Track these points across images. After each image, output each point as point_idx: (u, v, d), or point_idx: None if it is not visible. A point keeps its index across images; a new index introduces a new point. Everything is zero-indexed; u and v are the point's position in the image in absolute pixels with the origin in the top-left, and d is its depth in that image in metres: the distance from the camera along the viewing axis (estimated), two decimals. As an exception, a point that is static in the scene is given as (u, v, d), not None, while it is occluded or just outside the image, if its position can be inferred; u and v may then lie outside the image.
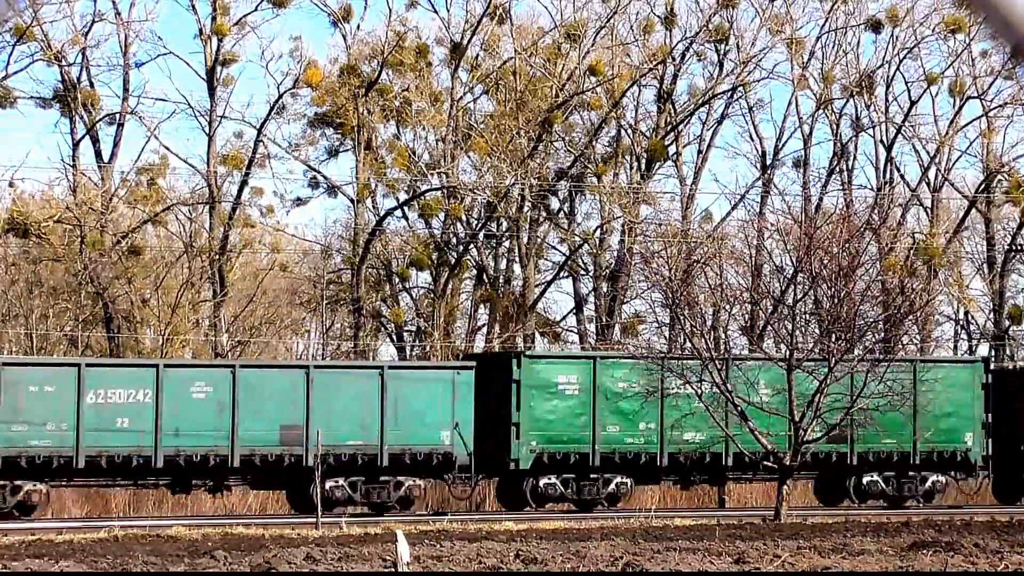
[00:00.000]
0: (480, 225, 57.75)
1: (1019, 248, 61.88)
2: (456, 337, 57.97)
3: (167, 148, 56.09)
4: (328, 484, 36.09)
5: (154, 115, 55.61)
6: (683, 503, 43.29)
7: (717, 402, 35.72)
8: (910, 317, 41.50)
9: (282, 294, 61.92)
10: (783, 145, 60.78)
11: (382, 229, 57.35)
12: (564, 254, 59.34)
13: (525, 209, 57.38)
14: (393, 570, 22.37)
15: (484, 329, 58.87)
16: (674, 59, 59.07)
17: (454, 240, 58.13)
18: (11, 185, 53.84)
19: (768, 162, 60.42)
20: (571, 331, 59.99)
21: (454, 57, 57.35)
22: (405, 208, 58.03)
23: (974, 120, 61.71)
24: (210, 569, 23.21)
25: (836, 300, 35.40)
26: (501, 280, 58.26)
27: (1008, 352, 61.30)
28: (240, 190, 56.01)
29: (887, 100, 60.97)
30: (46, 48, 53.41)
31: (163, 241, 57.28)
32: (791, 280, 36.31)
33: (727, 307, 37.51)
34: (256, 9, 55.40)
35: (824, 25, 60.03)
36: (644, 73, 58.66)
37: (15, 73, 53.69)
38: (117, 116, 54.97)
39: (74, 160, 54.52)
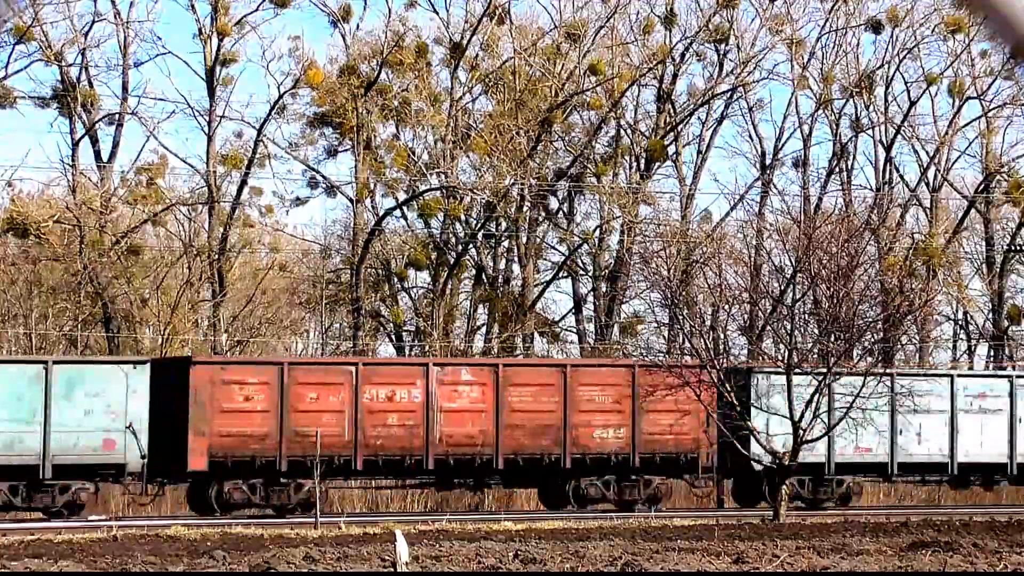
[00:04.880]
0: (479, 225, 57.72)
1: (1018, 248, 61.87)
2: (455, 337, 57.94)
3: (166, 148, 56.18)
4: None
5: (154, 115, 55.60)
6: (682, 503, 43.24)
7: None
8: (909, 317, 41.51)
9: (281, 294, 61.86)
10: (783, 145, 60.86)
11: (381, 229, 57.32)
12: (563, 254, 59.32)
13: (524, 209, 57.35)
14: (392, 570, 22.37)
15: (483, 329, 58.85)
16: (674, 59, 59.08)
17: (453, 240, 58.09)
18: (10, 185, 53.89)
19: (767, 162, 60.44)
20: (570, 331, 60.02)
21: (453, 57, 57.33)
22: (404, 208, 58.02)
23: (973, 120, 61.76)
24: (209, 569, 23.19)
25: (835, 300, 35.38)
26: (500, 280, 58.22)
27: (1007, 352, 61.28)
28: (239, 190, 56.03)
29: (887, 100, 60.99)
30: (45, 48, 53.37)
31: (162, 241, 57.25)
32: (790, 280, 36.31)
33: (726, 307, 37.48)
34: (257, 9, 55.45)
35: (824, 25, 60.10)
36: (644, 73, 58.65)
37: (15, 73, 53.75)
38: (116, 116, 54.97)
39: (73, 160, 54.50)
